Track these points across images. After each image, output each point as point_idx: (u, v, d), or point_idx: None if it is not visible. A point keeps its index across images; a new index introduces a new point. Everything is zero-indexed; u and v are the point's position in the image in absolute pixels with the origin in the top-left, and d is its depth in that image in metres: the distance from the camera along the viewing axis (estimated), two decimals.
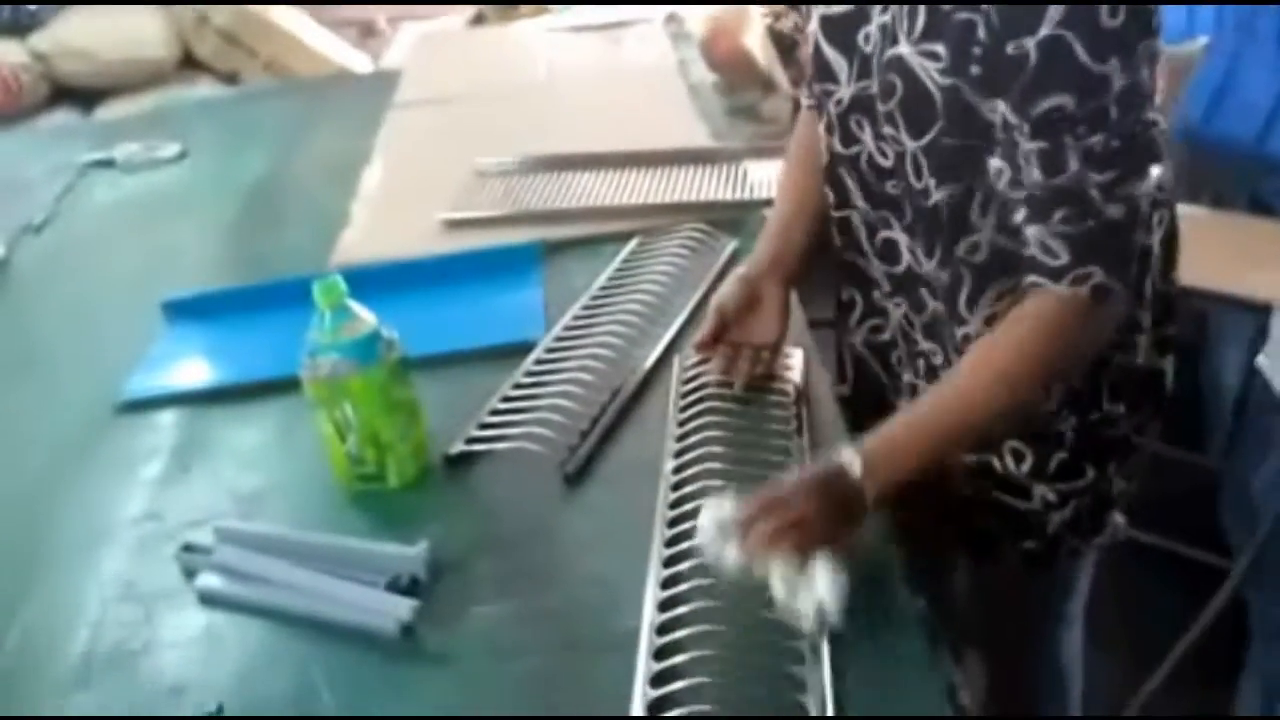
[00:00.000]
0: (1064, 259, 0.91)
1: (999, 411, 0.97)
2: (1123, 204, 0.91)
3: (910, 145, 1.00)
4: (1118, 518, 1.18)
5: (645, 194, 1.62)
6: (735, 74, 2.20)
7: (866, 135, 1.06)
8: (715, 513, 0.88)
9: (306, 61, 3.26)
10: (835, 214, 1.14)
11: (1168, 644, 1.96)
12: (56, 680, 0.92)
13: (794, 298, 1.22)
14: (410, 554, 0.96)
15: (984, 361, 0.96)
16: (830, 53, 1.05)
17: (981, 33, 0.91)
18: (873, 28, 1.01)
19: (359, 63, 3.36)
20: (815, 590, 0.83)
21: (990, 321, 1.04)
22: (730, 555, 0.86)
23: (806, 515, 0.87)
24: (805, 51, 1.13)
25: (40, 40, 3.13)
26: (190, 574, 1.02)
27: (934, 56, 0.95)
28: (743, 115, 2.12)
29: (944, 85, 0.95)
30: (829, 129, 1.10)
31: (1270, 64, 2.22)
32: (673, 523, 0.98)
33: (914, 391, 1.17)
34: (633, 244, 1.50)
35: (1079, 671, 1.42)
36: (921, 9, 0.95)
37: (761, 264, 1.18)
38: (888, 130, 1.02)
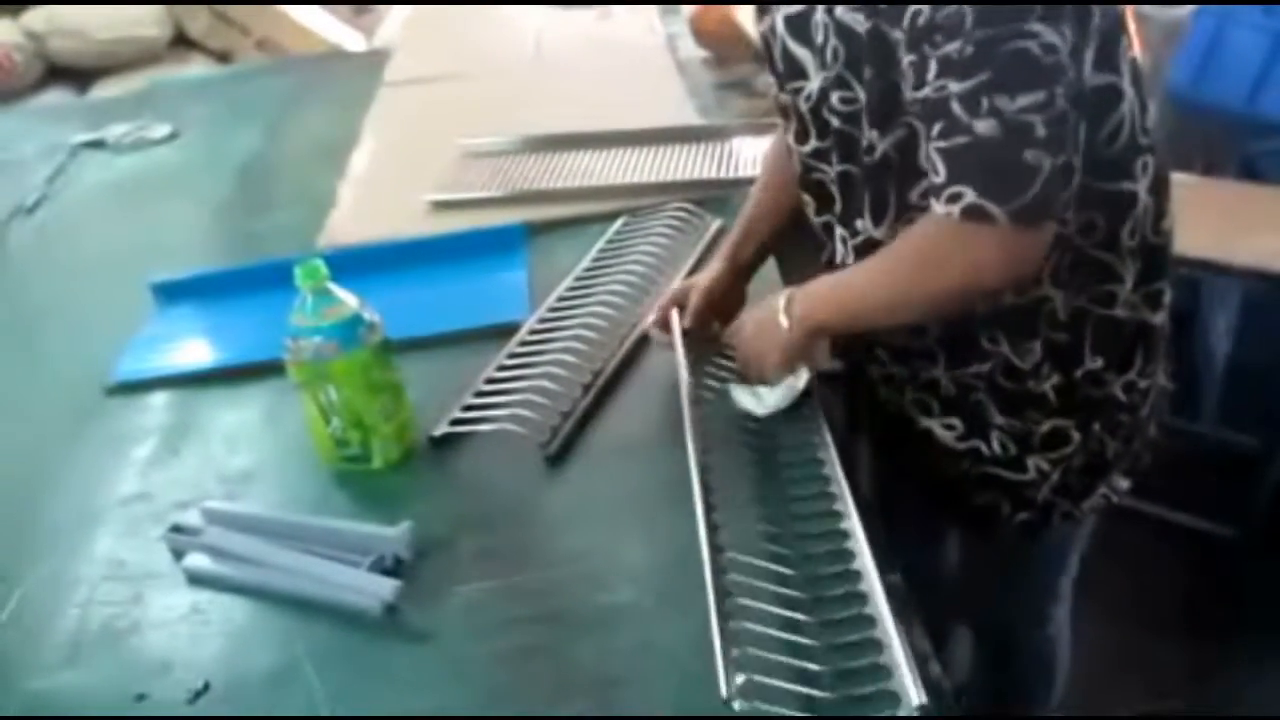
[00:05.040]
0: (940, 176, 0.88)
1: (894, 312, 1.03)
2: (993, 119, 0.84)
3: (862, 99, 0.99)
4: (1120, 482, 1.16)
5: (631, 173, 1.64)
6: (725, 47, 2.19)
7: (836, 121, 1.05)
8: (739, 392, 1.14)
9: (299, 39, 3.25)
10: (816, 220, 1.13)
11: (1158, 607, 1.99)
12: (46, 659, 0.94)
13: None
14: (393, 534, 0.98)
15: (879, 267, 0.99)
16: (796, 49, 1.05)
17: None
18: (819, 15, 1.00)
19: (352, 40, 3.34)
20: (775, 394, 1.11)
21: None
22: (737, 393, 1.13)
23: (749, 354, 1.11)
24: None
25: (34, 19, 3.12)
26: (178, 554, 1.03)
27: (857, 8, 0.94)
28: (734, 90, 2.11)
29: (867, 28, 0.94)
30: (802, 132, 1.09)
31: (1257, 24, 2.22)
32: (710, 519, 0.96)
33: (906, 362, 1.16)
34: (618, 224, 1.51)
35: (1067, 646, 1.43)
36: None
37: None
38: (843, 94, 1.01)
